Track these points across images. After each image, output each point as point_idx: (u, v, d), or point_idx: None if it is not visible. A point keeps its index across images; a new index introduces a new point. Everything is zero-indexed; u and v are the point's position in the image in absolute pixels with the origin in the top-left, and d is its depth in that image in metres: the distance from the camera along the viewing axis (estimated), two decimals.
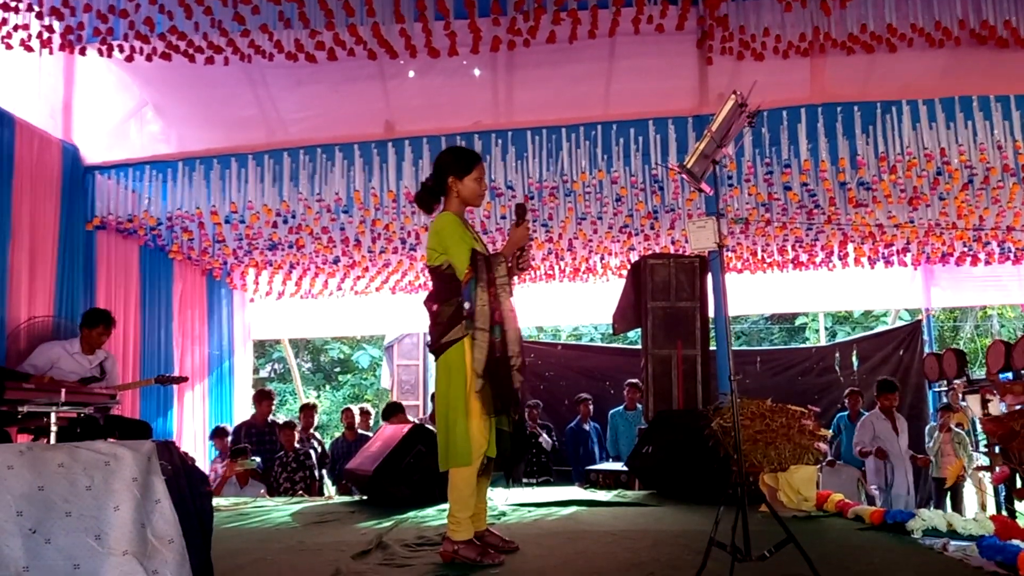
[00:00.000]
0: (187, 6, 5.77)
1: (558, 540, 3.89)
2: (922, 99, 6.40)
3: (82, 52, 6.52)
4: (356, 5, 5.83)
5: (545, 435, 8.68)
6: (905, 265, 9.74)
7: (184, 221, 7.41)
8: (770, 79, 6.30)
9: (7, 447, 1.67)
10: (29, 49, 6.13)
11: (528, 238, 3.44)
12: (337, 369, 22.97)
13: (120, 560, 1.58)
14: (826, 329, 18.49)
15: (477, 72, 6.96)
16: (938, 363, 6.59)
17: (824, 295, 11.03)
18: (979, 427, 7.50)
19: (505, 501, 5.33)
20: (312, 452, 7.88)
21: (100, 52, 6.39)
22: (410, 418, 8.64)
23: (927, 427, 9.12)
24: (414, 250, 8.55)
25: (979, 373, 6.99)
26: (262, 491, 7.26)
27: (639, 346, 7.30)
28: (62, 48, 6.39)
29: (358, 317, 11.56)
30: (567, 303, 11.06)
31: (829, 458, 7.37)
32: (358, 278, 9.89)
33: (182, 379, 6.92)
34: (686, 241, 8.22)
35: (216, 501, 5.97)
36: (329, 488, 8.42)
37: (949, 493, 7.79)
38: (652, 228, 8.03)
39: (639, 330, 7.21)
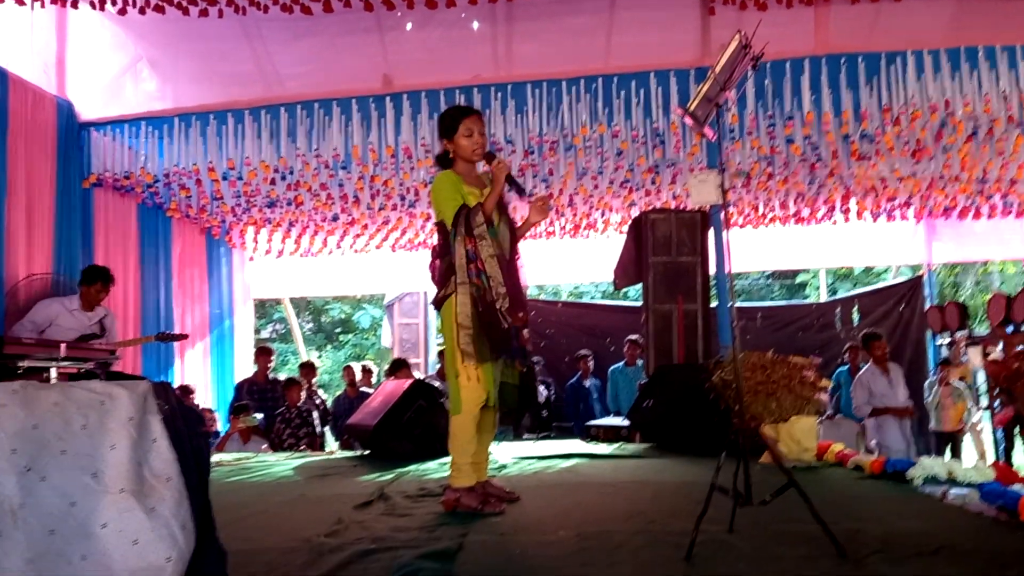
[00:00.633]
0: None
1: (559, 491, 3.90)
2: (927, 49, 6.29)
3: (74, 5, 6.41)
4: None
5: (542, 388, 8.68)
6: (907, 220, 9.69)
7: (181, 178, 7.36)
8: (773, 30, 6.17)
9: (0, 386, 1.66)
10: (21, 2, 6.04)
11: (507, 169, 3.46)
12: (338, 329, 23.01)
13: (117, 498, 1.58)
14: (827, 286, 18.46)
15: (476, 25, 6.86)
16: (941, 315, 6.59)
17: (826, 251, 10.97)
18: (979, 380, 7.52)
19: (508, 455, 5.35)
20: (314, 408, 7.91)
21: (92, 5, 6.29)
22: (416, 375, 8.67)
23: (926, 382, 9.15)
24: (413, 207, 8.50)
25: (980, 329, 6.99)
26: (264, 447, 7.30)
27: (639, 303, 7.29)
28: (54, 1, 6.29)
29: (358, 276, 11.52)
30: (568, 261, 11.01)
31: (829, 412, 7.39)
32: (357, 236, 9.85)
33: (182, 336, 6.92)
34: (687, 196, 8.16)
35: (219, 456, 6.00)
36: (331, 444, 8.48)
37: (949, 446, 7.83)
38: (653, 183, 7.98)
39: (639, 287, 7.20)
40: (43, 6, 6.26)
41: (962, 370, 7.68)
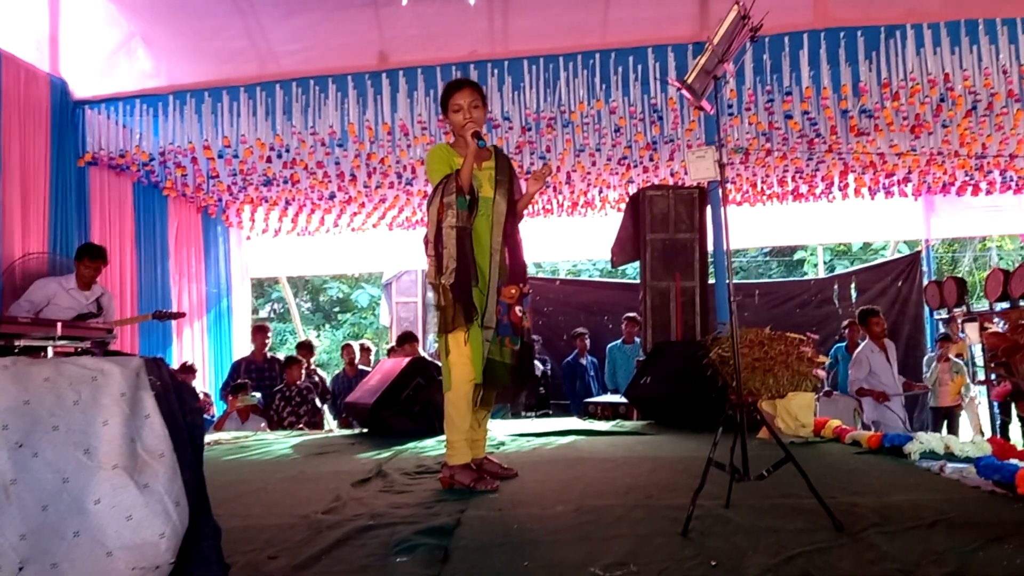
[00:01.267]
0: None
1: (556, 467, 3.91)
2: (927, 23, 6.24)
3: None
4: None
5: (538, 363, 8.68)
6: (906, 196, 9.65)
7: (177, 156, 7.33)
8: (772, 3, 6.12)
9: None
10: None
11: (472, 129, 3.40)
12: (336, 309, 23.03)
13: (110, 474, 1.57)
14: (825, 263, 18.47)
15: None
16: (939, 291, 6.59)
17: (824, 227, 10.95)
18: (976, 356, 7.53)
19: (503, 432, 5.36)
20: (313, 387, 7.92)
21: None
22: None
23: (925, 358, 9.17)
24: (410, 184, 8.46)
25: (978, 305, 6.99)
26: (263, 425, 7.31)
27: (637, 281, 7.27)
28: None
29: (356, 254, 11.52)
30: (565, 238, 10.99)
31: (826, 388, 7.40)
32: (354, 214, 9.81)
33: (180, 315, 6.91)
34: (685, 173, 8.13)
35: (217, 435, 6.01)
36: (330, 422, 8.49)
37: (946, 422, 7.86)
38: (651, 160, 7.93)
39: (637, 265, 7.18)
40: None
41: (958, 347, 7.69)
